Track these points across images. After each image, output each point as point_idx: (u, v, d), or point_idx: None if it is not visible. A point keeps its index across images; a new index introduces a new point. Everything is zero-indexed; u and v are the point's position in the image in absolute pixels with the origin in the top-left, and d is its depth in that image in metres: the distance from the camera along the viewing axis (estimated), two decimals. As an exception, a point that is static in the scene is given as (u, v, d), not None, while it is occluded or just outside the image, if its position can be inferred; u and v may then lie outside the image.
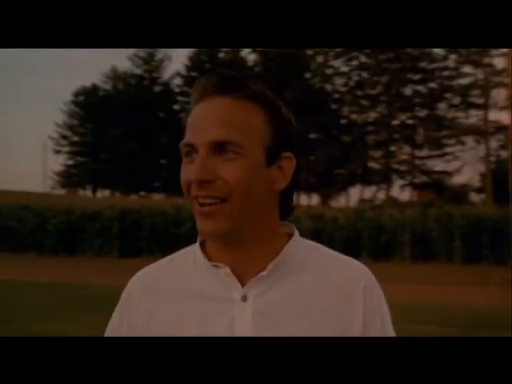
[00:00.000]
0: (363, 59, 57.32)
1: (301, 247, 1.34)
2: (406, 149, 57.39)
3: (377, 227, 29.41)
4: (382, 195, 61.36)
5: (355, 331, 1.28)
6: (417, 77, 58.96)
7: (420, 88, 58.82)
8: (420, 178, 57.92)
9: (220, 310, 1.27)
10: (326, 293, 1.29)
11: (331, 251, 1.38)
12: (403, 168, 57.40)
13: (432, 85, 57.99)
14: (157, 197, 50.13)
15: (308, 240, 1.38)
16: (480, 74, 56.34)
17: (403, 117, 58.04)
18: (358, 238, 28.99)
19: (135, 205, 29.79)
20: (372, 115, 60.05)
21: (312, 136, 58.17)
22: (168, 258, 1.40)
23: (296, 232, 1.36)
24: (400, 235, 26.89)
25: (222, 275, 1.28)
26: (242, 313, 1.26)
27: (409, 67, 57.54)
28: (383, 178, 57.44)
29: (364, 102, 59.65)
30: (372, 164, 60.18)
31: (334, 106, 59.96)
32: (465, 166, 56.39)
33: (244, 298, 1.26)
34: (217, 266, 1.28)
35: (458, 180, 71.49)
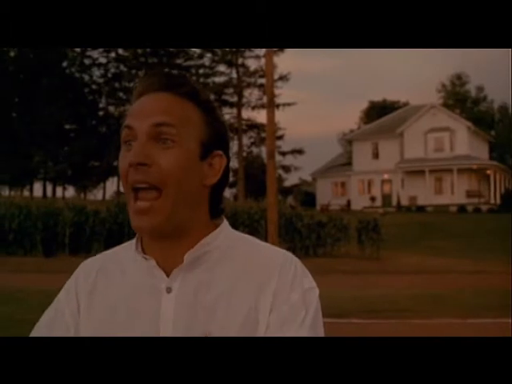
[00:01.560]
0: (121, 51, 57.00)
1: (224, 238, 1.37)
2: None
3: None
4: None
5: (263, 311, 1.29)
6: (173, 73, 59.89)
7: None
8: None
9: (147, 299, 1.32)
10: (243, 279, 1.32)
11: (258, 241, 1.40)
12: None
13: (188, 81, 59.26)
14: None
15: (237, 232, 1.41)
16: (234, 74, 58.74)
17: (159, 111, 58.63)
18: (120, 232, 29.04)
19: None
20: (129, 108, 59.95)
21: (68, 127, 56.85)
22: (114, 248, 1.45)
23: (223, 224, 1.39)
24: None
25: (150, 267, 1.33)
26: (166, 304, 1.30)
27: (165, 63, 58.26)
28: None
29: (121, 95, 59.44)
30: (128, 157, 60.17)
31: (91, 97, 59.03)
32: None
33: (169, 290, 1.30)
34: (146, 259, 1.33)
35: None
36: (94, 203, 36.18)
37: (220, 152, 1.36)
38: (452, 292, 16.24)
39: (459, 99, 74.27)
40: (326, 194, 57.97)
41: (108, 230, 28.98)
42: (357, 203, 54.02)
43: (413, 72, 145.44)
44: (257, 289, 1.30)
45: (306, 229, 31.48)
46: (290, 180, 68.12)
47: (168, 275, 1.31)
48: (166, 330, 1.29)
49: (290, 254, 1.37)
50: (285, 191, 63.08)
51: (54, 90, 50.07)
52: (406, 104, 71.68)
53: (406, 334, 10.01)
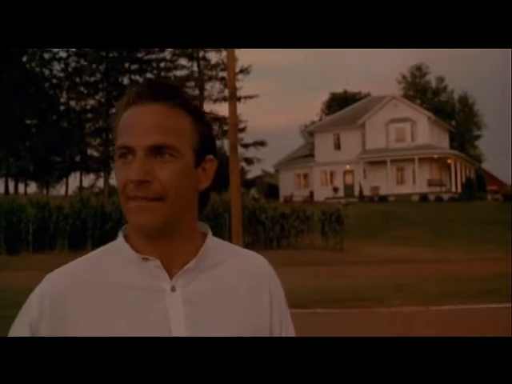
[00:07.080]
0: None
1: (215, 244, 1.44)
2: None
3: (101, 215, 29.59)
4: (100, 183, 61.36)
5: (264, 314, 1.42)
6: (134, 66, 59.62)
7: (137, 78, 59.53)
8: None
9: (152, 299, 1.33)
10: (240, 281, 1.42)
11: (236, 246, 1.51)
12: (122, 156, 57.72)
13: (149, 75, 58.99)
14: None
15: (216, 238, 1.47)
16: (195, 67, 58.69)
17: (121, 105, 58.25)
18: (83, 227, 28.95)
19: None
20: (90, 102, 59.62)
21: (29, 122, 56.20)
22: (84, 257, 1.42)
23: (208, 229, 1.46)
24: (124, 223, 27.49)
25: (151, 268, 1.34)
26: (173, 301, 1.33)
27: (126, 57, 57.92)
28: (102, 165, 57.35)
29: (82, 89, 58.95)
30: (91, 151, 59.90)
31: (51, 92, 58.41)
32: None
33: (173, 289, 1.34)
34: (147, 259, 1.34)
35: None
36: (56, 199, 35.91)
37: (211, 156, 1.40)
38: (415, 281, 16.52)
39: (419, 90, 75.06)
40: (288, 186, 58.10)
41: (71, 226, 28.85)
42: (319, 194, 54.28)
43: (373, 63, 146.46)
44: (253, 290, 1.42)
45: (270, 221, 31.64)
46: (253, 172, 68.41)
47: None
48: (178, 329, 1.32)
49: (266, 260, 1.51)
50: (248, 183, 63.14)
51: (14, 84, 49.51)
52: (367, 95, 72.22)
53: (370, 323, 10.23)
